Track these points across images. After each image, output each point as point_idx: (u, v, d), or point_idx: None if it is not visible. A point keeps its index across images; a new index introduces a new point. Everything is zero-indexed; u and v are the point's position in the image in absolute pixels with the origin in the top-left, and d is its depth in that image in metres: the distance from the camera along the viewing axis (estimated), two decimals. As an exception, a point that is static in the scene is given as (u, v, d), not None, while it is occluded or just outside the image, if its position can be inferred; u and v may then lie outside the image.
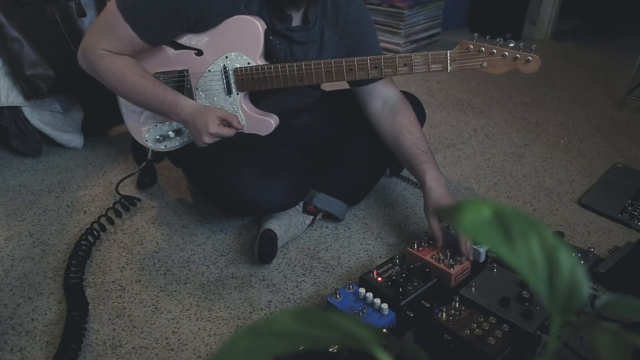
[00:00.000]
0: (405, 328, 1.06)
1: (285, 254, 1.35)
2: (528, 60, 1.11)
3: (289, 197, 1.28)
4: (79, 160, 1.83)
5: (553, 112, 2.21)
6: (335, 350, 0.94)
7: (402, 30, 2.82)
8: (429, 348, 1.00)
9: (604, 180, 1.68)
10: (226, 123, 1.23)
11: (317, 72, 1.23)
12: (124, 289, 1.24)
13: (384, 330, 1.02)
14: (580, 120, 2.14)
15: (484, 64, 1.15)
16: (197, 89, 1.32)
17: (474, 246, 1.20)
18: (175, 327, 1.13)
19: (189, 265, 1.32)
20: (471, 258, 1.19)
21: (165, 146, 1.40)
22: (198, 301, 1.20)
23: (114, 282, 1.26)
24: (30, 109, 1.76)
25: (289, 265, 1.32)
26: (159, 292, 1.23)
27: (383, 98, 1.37)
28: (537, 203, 1.58)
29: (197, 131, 1.22)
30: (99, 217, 1.45)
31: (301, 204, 1.40)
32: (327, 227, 1.46)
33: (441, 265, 1.16)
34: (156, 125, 1.38)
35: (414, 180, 1.59)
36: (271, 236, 1.29)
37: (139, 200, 1.57)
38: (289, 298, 1.22)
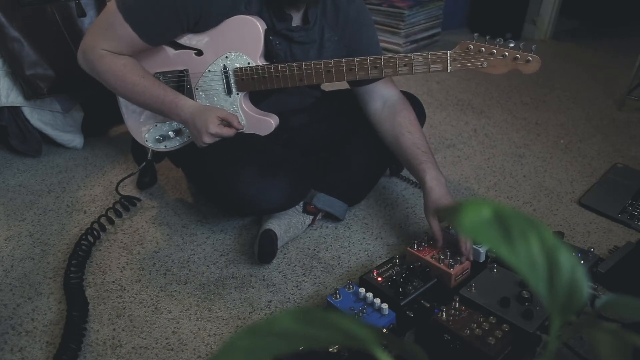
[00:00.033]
0: (405, 328, 1.06)
1: (285, 254, 1.35)
2: (528, 61, 1.11)
3: (289, 197, 1.28)
4: (79, 160, 1.83)
5: (553, 112, 2.21)
6: (335, 350, 0.94)
7: (402, 30, 2.82)
8: (429, 348, 1.00)
9: (604, 180, 1.68)
10: (226, 123, 1.23)
11: (317, 72, 1.23)
12: (124, 289, 1.24)
13: (384, 330, 1.02)
14: (580, 120, 2.14)
15: (484, 64, 1.15)
16: (197, 89, 1.32)
17: (474, 246, 1.20)
18: (175, 327, 1.13)
19: (189, 265, 1.32)
20: (471, 258, 1.19)
21: (165, 146, 1.40)
22: (198, 301, 1.20)
23: (114, 282, 1.26)
24: (30, 109, 1.76)
25: (289, 265, 1.32)
26: (159, 292, 1.23)
27: (383, 98, 1.37)
28: (537, 203, 1.58)
29: (197, 131, 1.22)
30: (99, 217, 1.45)
31: (301, 204, 1.40)
32: (327, 227, 1.46)
33: (441, 265, 1.16)
34: (156, 125, 1.38)
35: (414, 180, 1.59)
36: (271, 236, 1.29)
37: (139, 200, 1.57)
38: (289, 298, 1.22)
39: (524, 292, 1.06)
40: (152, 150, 1.44)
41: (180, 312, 1.17)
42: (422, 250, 1.21)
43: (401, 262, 1.20)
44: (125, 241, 1.41)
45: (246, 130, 1.31)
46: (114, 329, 1.12)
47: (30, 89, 1.70)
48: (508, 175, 1.73)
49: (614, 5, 3.44)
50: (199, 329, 1.13)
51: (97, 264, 1.32)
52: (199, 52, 1.27)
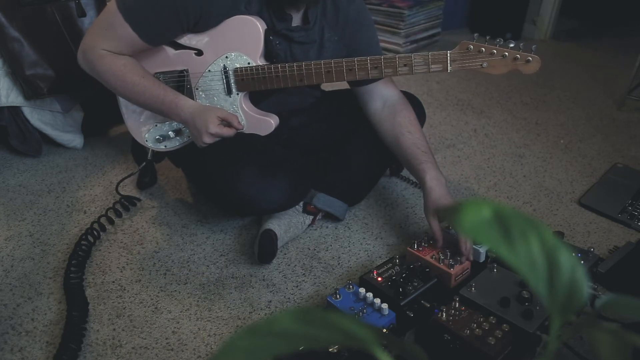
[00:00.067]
0: (405, 328, 1.06)
1: (285, 254, 1.35)
2: (528, 61, 1.11)
3: (289, 197, 1.28)
4: (79, 160, 1.83)
5: (553, 112, 2.21)
6: (335, 350, 0.94)
7: (402, 30, 2.82)
8: (429, 348, 1.00)
9: (604, 180, 1.68)
10: (226, 123, 1.23)
11: (317, 72, 1.23)
12: (124, 289, 1.24)
13: (384, 330, 1.02)
14: (580, 120, 2.14)
15: (484, 65, 1.15)
16: (197, 89, 1.32)
17: (474, 246, 1.20)
18: (175, 327, 1.13)
19: (189, 265, 1.32)
20: (471, 258, 1.19)
21: (165, 146, 1.40)
22: (198, 301, 1.20)
23: (114, 282, 1.26)
24: (30, 109, 1.76)
25: (289, 265, 1.32)
26: (159, 292, 1.23)
27: (383, 98, 1.37)
28: (537, 203, 1.58)
29: (197, 131, 1.22)
30: (99, 217, 1.45)
31: (301, 204, 1.40)
32: (327, 227, 1.46)
33: (441, 265, 1.16)
34: (156, 125, 1.38)
35: (414, 180, 1.59)
36: (271, 236, 1.29)
37: (139, 200, 1.57)
38: (289, 298, 1.22)
39: (524, 292, 1.06)
40: (152, 150, 1.44)
41: (180, 312, 1.17)
42: (422, 250, 1.21)
43: (401, 262, 1.20)
44: (125, 241, 1.41)
45: (246, 130, 1.31)
46: (114, 329, 1.12)
47: (30, 89, 1.70)
48: (508, 175, 1.73)
49: (614, 5, 3.44)
50: (199, 329, 1.13)
51: (97, 264, 1.32)
52: (199, 52, 1.27)
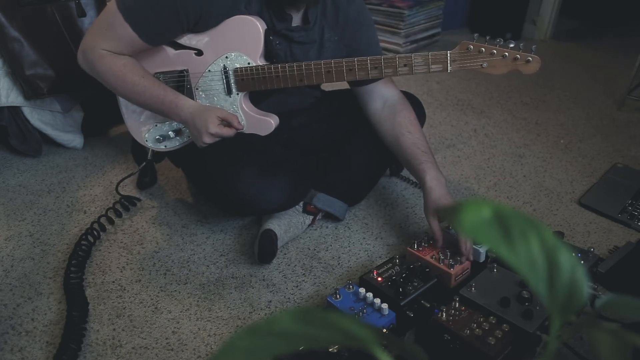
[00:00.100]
0: (405, 328, 1.06)
1: (285, 254, 1.35)
2: (528, 61, 1.11)
3: (289, 197, 1.28)
4: (79, 160, 1.83)
5: (553, 112, 2.21)
6: (335, 350, 0.94)
7: (402, 30, 2.82)
8: (429, 348, 1.00)
9: (604, 180, 1.68)
10: (226, 123, 1.23)
11: (317, 73, 1.23)
12: (124, 289, 1.24)
13: (384, 330, 1.02)
14: (580, 120, 2.14)
15: (484, 65, 1.15)
16: (197, 89, 1.32)
17: (474, 246, 1.20)
18: (175, 327, 1.13)
19: (189, 265, 1.32)
20: (471, 258, 1.19)
21: (165, 146, 1.40)
22: (198, 301, 1.20)
23: (114, 282, 1.26)
24: (30, 109, 1.76)
25: (289, 265, 1.32)
26: (159, 292, 1.23)
27: (383, 98, 1.37)
28: (537, 203, 1.58)
29: (197, 131, 1.22)
30: (99, 217, 1.45)
31: (301, 204, 1.40)
32: (327, 227, 1.46)
33: (441, 265, 1.16)
34: (156, 125, 1.38)
35: (414, 180, 1.59)
36: (271, 236, 1.29)
37: (139, 200, 1.57)
38: (289, 298, 1.22)
39: (524, 292, 1.06)
40: (152, 150, 1.44)
41: (180, 312, 1.17)
42: (422, 250, 1.21)
43: (401, 262, 1.20)
44: (125, 241, 1.41)
45: (246, 130, 1.31)
46: (114, 329, 1.12)
47: (30, 89, 1.70)
48: (508, 175, 1.73)
49: (614, 5, 3.44)
50: (199, 329, 1.13)
51: (97, 264, 1.32)
52: (199, 52, 1.27)
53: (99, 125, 1.99)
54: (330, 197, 1.42)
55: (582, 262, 1.17)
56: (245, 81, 1.27)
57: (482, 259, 1.22)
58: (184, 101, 1.24)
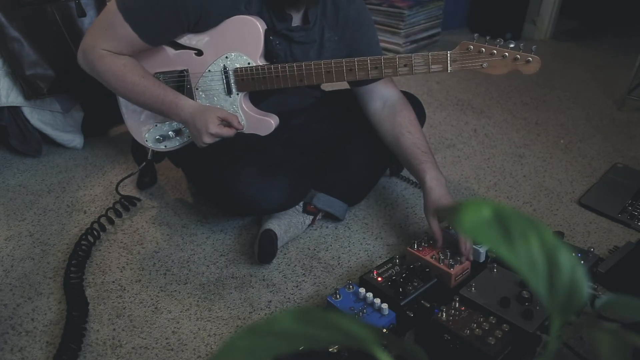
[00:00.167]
0: (405, 328, 1.06)
1: (285, 254, 1.35)
2: (528, 61, 1.11)
3: (289, 197, 1.28)
4: (79, 160, 1.83)
5: (553, 112, 2.21)
6: (335, 350, 0.94)
7: (402, 30, 2.82)
8: (429, 348, 1.00)
9: (604, 180, 1.68)
10: (226, 123, 1.23)
11: (317, 73, 1.23)
12: (124, 289, 1.24)
13: (384, 330, 1.02)
14: (580, 120, 2.14)
15: (484, 65, 1.15)
16: (197, 89, 1.32)
17: (474, 246, 1.20)
18: (175, 327, 1.13)
19: (189, 265, 1.32)
20: (471, 258, 1.19)
21: (165, 146, 1.40)
22: (198, 301, 1.20)
23: (114, 282, 1.26)
24: (30, 109, 1.76)
25: (289, 265, 1.32)
26: (159, 292, 1.23)
27: (383, 98, 1.37)
28: (537, 203, 1.58)
29: (197, 131, 1.22)
30: (99, 217, 1.45)
31: (301, 204, 1.40)
32: (327, 227, 1.46)
33: (441, 265, 1.16)
34: (156, 125, 1.38)
35: (414, 180, 1.59)
36: (271, 236, 1.29)
37: (139, 200, 1.57)
38: (289, 298, 1.22)
39: (524, 292, 1.06)
40: (152, 150, 1.44)
41: (180, 312, 1.17)
42: (422, 250, 1.21)
43: (401, 262, 1.20)
44: (125, 241, 1.41)
45: (246, 130, 1.31)
46: (114, 329, 1.12)
47: (30, 89, 1.70)
48: (508, 175, 1.73)
49: (614, 5, 3.44)
50: (199, 329, 1.13)
51: (97, 264, 1.32)
52: (199, 52, 1.27)
53: (99, 125, 1.99)
54: (330, 197, 1.42)
55: (582, 262, 1.17)
56: (245, 81, 1.27)
57: (482, 259, 1.22)
58: (184, 101, 1.24)
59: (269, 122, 1.32)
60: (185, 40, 1.26)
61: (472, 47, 1.14)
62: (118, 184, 1.56)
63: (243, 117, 1.31)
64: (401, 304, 1.08)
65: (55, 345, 1.07)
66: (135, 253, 1.36)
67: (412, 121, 1.34)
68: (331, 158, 1.46)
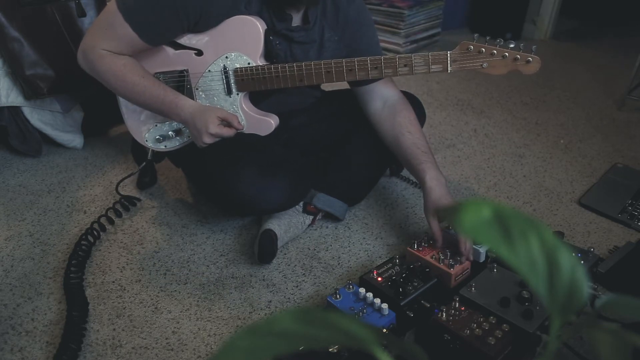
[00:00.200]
0: (405, 328, 1.06)
1: (285, 254, 1.35)
2: (528, 61, 1.11)
3: (289, 197, 1.28)
4: (79, 160, 1.83)
5: (553, 112, 2.21)
6: (335, 350, 0.94)
7: (402, 30, 2.82)
8: (429, 348, 1.00)
9: (604, 180, 1.68)
10: (226, 123, 1.23)
11: (317, 73, 1.23)
12: (124, 289, 1.24)
13: (384, 330, 1.02)
14: (580, 120, 2.14)
15: (484, 65, 1.15)
16: (197, 89, 1.32)
17: (474, 246, 1.20)
18: (175, 327, 1.13)
19: (189, 265, 1.32)
20: (471, 258, 1.19)
21: (165, 146, 1.40)
22: (198, 301, 1.20)
23: (114, 282, 1.26)
24: (30, 109, 1.76)
25: (289, 265, 1.32)
26: (159, 292, 1.23)
27: (383, 98, 1.37)
28: (537, 203, 1.58)
29: (197, 131, 1.22)
30: (99, 217, 1.45)
31: (301, 204, 1.40)
32: (327, 227, 1.46)
33: (441, 265, 1.16)
34: (156, 125, 1.38)
35: (414, 180, 1.59)
36: (271, 236, 1.29)
37: (139, 200, 1.57)
38: (289, 298, 1.22)
39: (524, 292, 1.06)
40: (152, 150, 1.44)
41: (180, 312, 1.17)
42: (422, 250, 1.21)
43: (401, 262, 1.20)
44: (125, 241, 1.41)
45: (246, 130, 1.31)
46: (114, 329, 1.12)
47: (30, 89, 1.70)
48: (508, 175, 1.73)
49: (614, 5, 3.44)
50: (199, 329, 1.13)
51: (97, 264, 1.32)
52: (199, 52, 1.27)
53: (99, 125, 1.99)
54: (330, 197, 1.42)
55: (582, 262, 1.17)
56: (245, 81, 1.27)
57: (482, 259, 1.22)
58: (184, 101, 1.24)
59: (269, 122, 1.32)
60: (185, 40, 1.26)
61: (472, 47, 1.14)
62: (118, 184, 1.56)
63: (243, 117, 1.31)
64: (401, 304, 1.08)
65: (55, 345, 1.07)
66: (135, 253, 1.36)
67: (412, 121, 1.34)
68: (331, 158, 1.46)
